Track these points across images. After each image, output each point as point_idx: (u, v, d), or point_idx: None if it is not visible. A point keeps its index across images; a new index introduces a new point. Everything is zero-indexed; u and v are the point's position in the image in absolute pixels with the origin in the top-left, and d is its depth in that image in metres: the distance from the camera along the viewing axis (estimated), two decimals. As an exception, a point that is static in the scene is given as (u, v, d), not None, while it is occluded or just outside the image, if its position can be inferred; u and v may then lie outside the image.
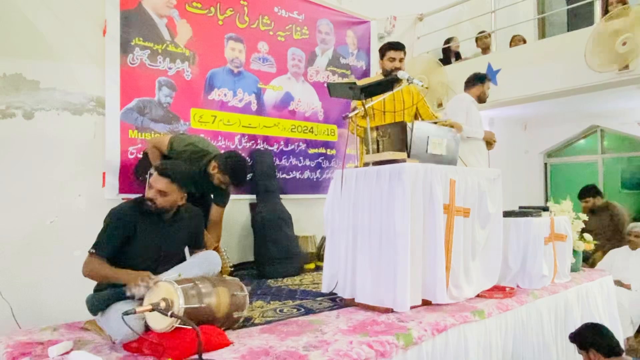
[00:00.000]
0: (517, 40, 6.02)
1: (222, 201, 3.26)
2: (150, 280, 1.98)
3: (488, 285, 2.88)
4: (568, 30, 5.55)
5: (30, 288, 3.07)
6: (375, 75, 3.62)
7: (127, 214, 2.21)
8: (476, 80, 4.17)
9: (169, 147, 3.06)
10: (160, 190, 2.19)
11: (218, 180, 3.04)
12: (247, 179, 3.20)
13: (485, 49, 6.00)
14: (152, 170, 2.29)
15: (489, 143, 4.10)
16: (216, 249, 2.97)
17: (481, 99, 4.16)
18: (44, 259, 3.13)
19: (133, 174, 3.44)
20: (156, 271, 2.16)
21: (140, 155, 3.50)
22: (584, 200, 5.00)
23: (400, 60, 3.40)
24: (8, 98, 3.06)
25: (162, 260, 2.27)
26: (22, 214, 3.08)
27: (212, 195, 3.27)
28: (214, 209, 3.24)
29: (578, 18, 5.45)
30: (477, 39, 6.20)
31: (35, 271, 3.10)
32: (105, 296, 2.08)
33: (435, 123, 2.91)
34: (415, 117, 3.49)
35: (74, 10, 3.32)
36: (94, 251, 2.12)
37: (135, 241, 2.20)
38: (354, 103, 3.26)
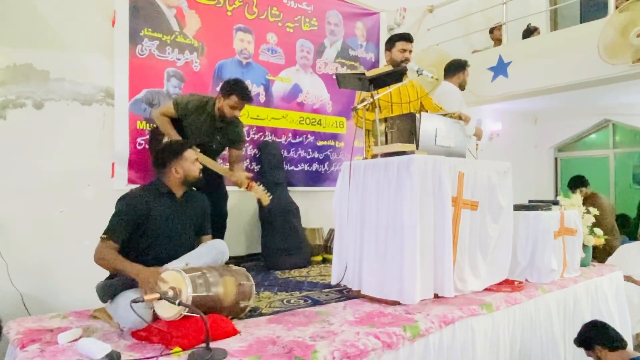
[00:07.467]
0: (536, 33, 5.92)
1: (239, 145, 3.40)
2: (157, 282, 1.95)
3: (498, 279, 2.86)
4: (581, 22, 5.45)
5: (40, 276, 3.11)
6: (384, 67, 3.59)
7: (140, 198, 2.23)
8: (459, 68, 4.07)
9: (175, 107, 3.17)
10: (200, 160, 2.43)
11: (229, 108, 3.13)
12: (251, 93, 3.30)
13: (497, 41, 5.93)
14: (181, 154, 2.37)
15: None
16: (249, 185, 3.07)
17: (462, 87, 4.08)
18: (54, 248, 3.16)
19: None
20: (175, 252, 2.25)
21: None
22: (578, 190, 4.92)
23: (410, 51, 3.38)
24: (18, 88, 3.07)
25: (180, 238, 2.31)
26: (32, 204, 3.11)
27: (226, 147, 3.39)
28: (233, 152, 3.37)
29: (591, 9, 5.35)
30: (491, 30, 6.12)
31: (45, 260, 3.13)
32: (115, 284, 2.09)
33: (445, 115, 2.89)
34: (420, 111, 3.46)
35: (84, 1, 3.33)
36: (105, 236, 2.12)
37: (151, 224, 2.22)
38: (360, 95, 3.23)
